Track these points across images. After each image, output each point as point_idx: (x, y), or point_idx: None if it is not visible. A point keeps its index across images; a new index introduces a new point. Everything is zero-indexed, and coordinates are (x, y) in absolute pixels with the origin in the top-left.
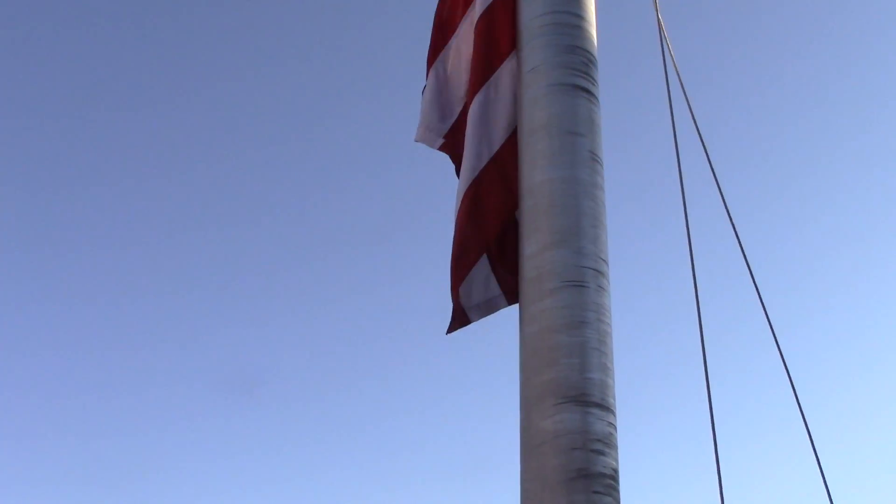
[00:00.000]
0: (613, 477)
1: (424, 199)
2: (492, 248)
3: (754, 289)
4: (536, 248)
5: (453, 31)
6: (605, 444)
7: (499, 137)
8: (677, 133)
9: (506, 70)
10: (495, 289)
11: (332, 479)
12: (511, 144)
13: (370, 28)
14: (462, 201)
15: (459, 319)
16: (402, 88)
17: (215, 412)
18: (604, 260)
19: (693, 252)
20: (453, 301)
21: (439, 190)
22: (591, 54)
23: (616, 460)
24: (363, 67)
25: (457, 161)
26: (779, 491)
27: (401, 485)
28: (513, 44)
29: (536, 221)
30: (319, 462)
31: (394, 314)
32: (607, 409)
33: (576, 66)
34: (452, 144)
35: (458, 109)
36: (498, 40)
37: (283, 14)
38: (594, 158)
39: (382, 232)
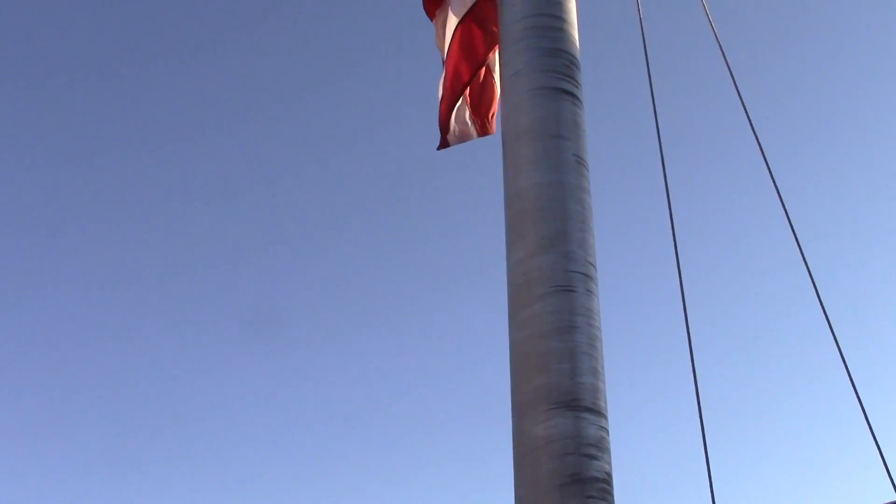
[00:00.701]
0: (607, 481)
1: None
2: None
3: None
4: (524, 254)
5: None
6: (597, 448)
7: None
8: (661, 128)
9: None
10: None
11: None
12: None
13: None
14: (453, 37)
15: (444, 143)
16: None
17: (240, 349)
18: (592, 264)
19: (679, 253)
20: (442, 126)
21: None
22: (574, 57)
23: (609, 464)
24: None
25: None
26: (770, 492)
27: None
28: None
29: (523, 226)
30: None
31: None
32: (599, 413)
33: (558, 70)
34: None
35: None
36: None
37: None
38: (580, 162)
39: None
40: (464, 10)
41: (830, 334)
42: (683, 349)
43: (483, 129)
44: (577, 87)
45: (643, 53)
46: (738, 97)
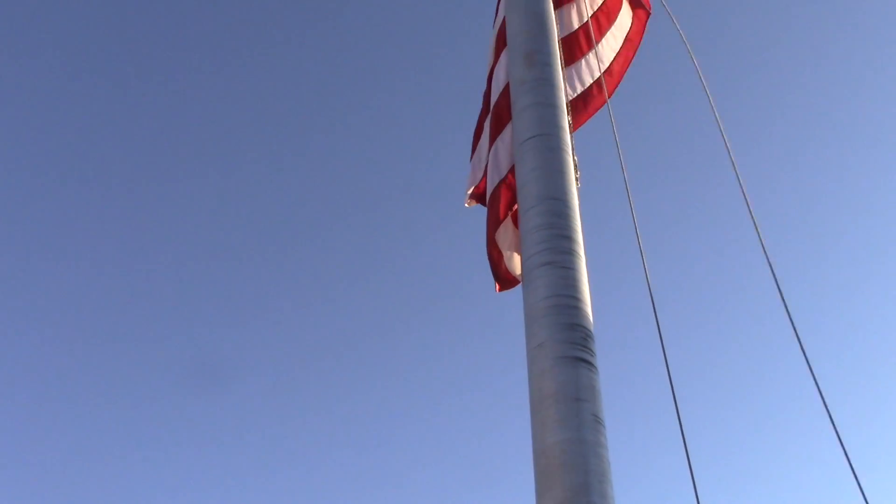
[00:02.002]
0: None
1: (405, 185)
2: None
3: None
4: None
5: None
6: None
7: (504, 168)
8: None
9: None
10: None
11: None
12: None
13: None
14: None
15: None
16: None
17: (188, 402)
18: None
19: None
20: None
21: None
22: (588, 330)
23: None
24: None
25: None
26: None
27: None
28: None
29: (550, 479)
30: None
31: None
32: None
33: (576, 342)
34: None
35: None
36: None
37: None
38: (597, 420)
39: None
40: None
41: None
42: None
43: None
44: (592, 355)
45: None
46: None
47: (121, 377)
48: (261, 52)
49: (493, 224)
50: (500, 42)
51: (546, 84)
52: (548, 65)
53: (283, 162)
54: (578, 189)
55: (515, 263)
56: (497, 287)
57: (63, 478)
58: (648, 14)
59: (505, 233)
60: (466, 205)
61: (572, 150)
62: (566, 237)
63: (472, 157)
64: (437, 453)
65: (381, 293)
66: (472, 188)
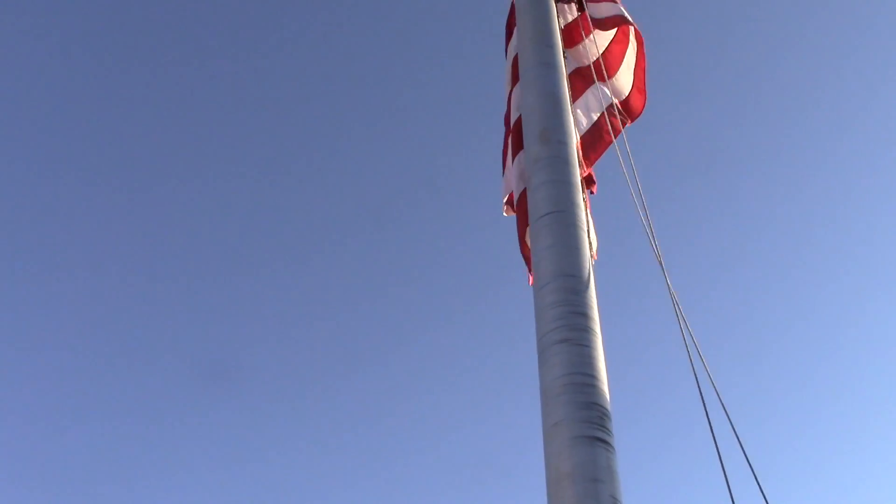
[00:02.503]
0: None
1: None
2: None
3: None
4: None
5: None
6: None
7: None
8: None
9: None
10: None
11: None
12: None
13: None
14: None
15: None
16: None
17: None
18: None
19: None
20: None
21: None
22: (605, 409)
23: None
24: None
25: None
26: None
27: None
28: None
29: None
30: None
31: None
32: None
33: (593, 420)
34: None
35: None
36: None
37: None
38: (615, 502)
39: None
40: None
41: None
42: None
43: None
44: (609, 435)
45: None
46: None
47: (128, 378)
48: (277, 54)
49: (522, 227)
50: (514, 75)
51: (560, 161)
52: (562, 143)
53: (290, 164)
54: (594, 265)
55: None
56: (530, 280)
57: (70, 478)
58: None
59: None
60: (504, 214)
61: (589, 224)
62: (582, 314)
63: (503, 172)
64: (446, 455)
65: (390, 295)
66: (506, 198)
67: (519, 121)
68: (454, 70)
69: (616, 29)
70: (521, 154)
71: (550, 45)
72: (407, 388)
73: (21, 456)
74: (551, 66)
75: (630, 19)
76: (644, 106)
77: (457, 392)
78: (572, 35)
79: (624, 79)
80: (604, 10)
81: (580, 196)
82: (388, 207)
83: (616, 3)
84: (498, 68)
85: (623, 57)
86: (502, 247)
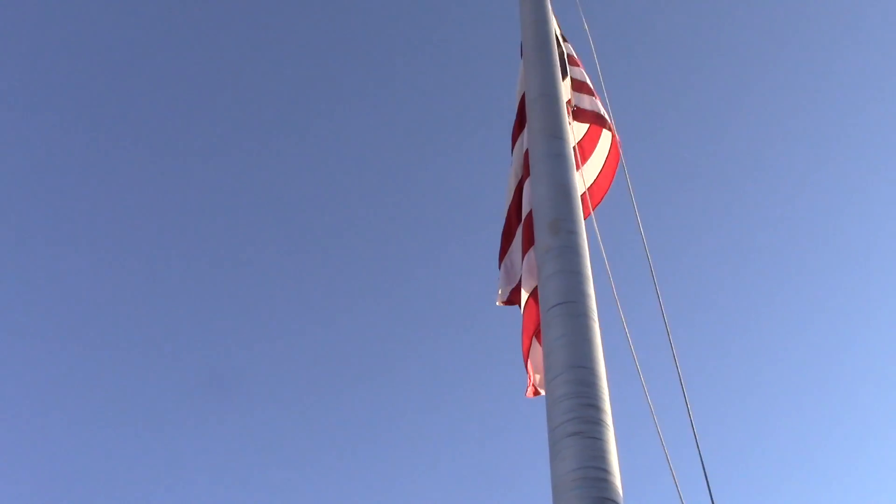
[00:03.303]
0: None
1: (411, 193)
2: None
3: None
4: None
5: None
6: None
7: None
8: None
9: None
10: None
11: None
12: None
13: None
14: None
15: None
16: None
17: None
18: None
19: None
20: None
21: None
22: (618, 503)
23: None
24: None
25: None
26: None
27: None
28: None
29: None
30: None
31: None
32: None
33: None
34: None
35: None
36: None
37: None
38: None
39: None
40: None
41: None
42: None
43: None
44: None
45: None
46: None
47: (130, 387)
48: (275, 55)
49: (528, 336)
50: (526, 168)
51: (571, 252)
52: (573, 232)
53: (292, 172)
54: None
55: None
56: (529, 391)
57: (72, 487)
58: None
59: (535, 354)
60: (498, 303)
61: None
62: (594, 406)
63: (502, 260)
64: (449, 463)
65: (391, 303)
66: (509, 291)
67: (529, 218)
68: (458, 73)
69: (589, 125)
70: (528, 256)
71: (560, 137)
72: (410, 395)
73: (19, 463)
74: (561, 157)
75: (608, 121)
76: (598, 204)
77: (461, 400)
78: None
79: (588, 172)
80: (586, 103)
81: (591, 286)
82: (391, 215)
83: (596, 98)
84: (504, 69)
85: (593, 150)
86: None
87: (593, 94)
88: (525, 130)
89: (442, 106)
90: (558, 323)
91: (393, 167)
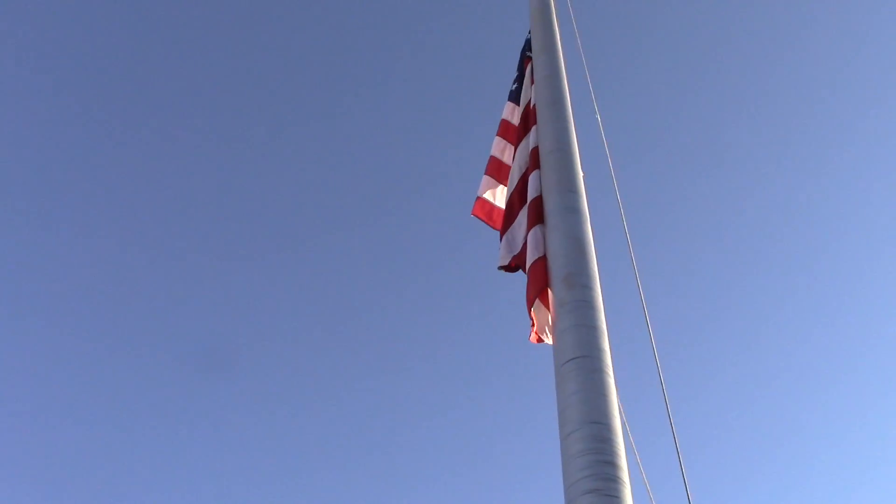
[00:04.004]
0: None
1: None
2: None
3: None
4: None
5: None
6: None
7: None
8: None
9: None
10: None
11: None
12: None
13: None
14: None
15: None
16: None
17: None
18: None
19: None
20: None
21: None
22: None
23: None
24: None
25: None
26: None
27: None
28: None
29: None
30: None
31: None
32: None
33: None
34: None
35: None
36: None
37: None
38: None
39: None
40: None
41: None
42: None
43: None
44: None
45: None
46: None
47: (127, 367)
48: (275, 53)
49: (533, 292)
50: (522, 125)
51: (586, 306)
52: (587, 287)
53: (289, 157)
54: (621, 409)
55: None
56: (532, 336)
57: (70, 468)
58: None
59: (539, 311)
60: (498, 268)
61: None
62: (610, 463)
63: (503, 234)
64: (442, 450)
65: (388, 287)
66: (509, 258)
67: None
68: (459, 74)
69: None
70: (538, 227)
71: (574, 191)
72: (409, 383)
73: (16, 449)
74: (575, 211)
75: None
76: None
77: (457, 387)
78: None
79: None
80: None
81: (606, 341)
82: (388, 199)
83: None
84: (504, 66)
85: None
86: None
87: None
88: (534, 129)
89: (443, 106)
90: (573, 378)
91: (392, 167)
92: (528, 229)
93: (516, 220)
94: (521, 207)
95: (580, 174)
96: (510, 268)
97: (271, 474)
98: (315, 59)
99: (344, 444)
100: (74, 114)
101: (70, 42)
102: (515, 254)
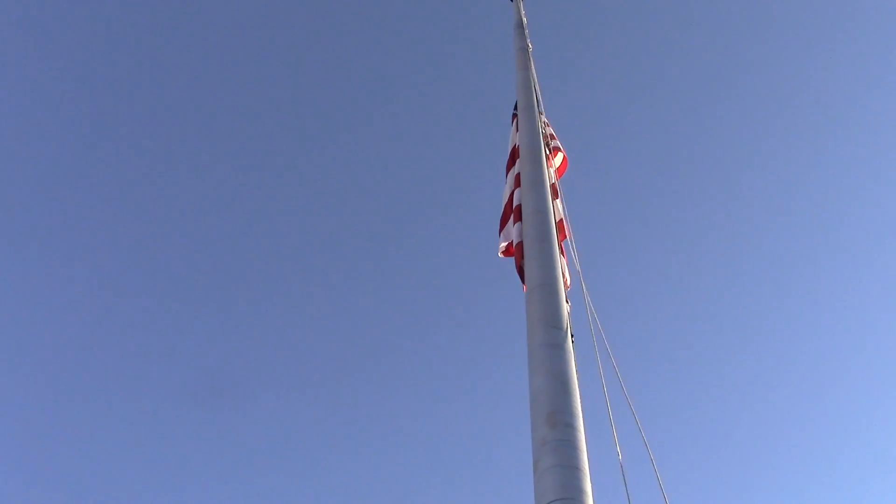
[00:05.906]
0: None
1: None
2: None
3: None
4: None
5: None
6: None
7: None
8: None
9: None
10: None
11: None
12: None
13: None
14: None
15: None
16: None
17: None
18: None
19: None
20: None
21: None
22: None
23: None
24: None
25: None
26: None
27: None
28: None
29: None
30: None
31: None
32: None
33: None
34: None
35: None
36: None
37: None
38: None
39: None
40: None
41: None
42: None
43: None
44: None
45: None
46: None
47: (131, 393)
48: (280, 57)
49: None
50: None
51: (568, 445)
52: (570, 426)
53: (292, 178)
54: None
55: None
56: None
57: (72, 494)
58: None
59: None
60: (500, 255)
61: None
62: None
63: (501, 229)
64: (451, 466)
65: (391, 305)
66: (505, 247)
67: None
68: (460, 76)
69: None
70: (517, 224)
71: (558, 327)
72: (409, 394)
73: (22, 470)
74: (559, 347)
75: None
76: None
77: (460, 399)
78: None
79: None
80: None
81: (588, 482)
82: (391, 218)
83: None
84: (504, 65)
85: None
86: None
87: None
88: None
89: (442, 105)
90: None
91: (392, 166)
92: (515, 223)
93: (509, 222)
94: (511, 212)
95: (565, 310)
96: (507, 254)
97: (271, 475)
98: (316, 66)
99: (344, 444)
100: (75, 121)
101: (70, 42)
102: (508, 243)
